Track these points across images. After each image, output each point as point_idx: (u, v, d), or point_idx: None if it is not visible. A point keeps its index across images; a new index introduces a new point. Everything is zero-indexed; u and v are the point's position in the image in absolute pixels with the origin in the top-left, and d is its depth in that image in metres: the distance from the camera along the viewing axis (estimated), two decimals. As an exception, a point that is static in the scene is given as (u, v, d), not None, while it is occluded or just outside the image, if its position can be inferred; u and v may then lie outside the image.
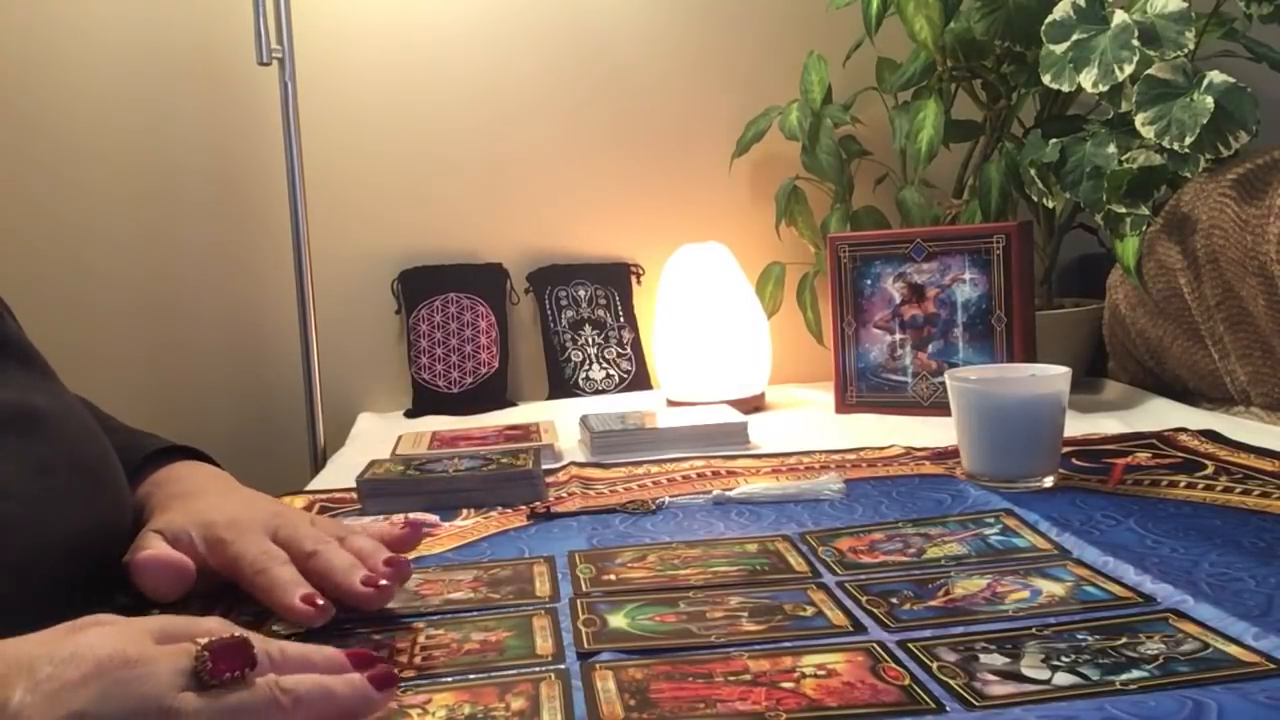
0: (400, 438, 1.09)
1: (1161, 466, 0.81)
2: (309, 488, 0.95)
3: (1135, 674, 0.45)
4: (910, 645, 0.49)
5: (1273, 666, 0.45)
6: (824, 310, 1.41)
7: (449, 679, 0.48)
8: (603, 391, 1.43)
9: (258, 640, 0.42)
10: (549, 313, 1.46)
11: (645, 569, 0.63)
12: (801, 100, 1.39)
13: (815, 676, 0.46)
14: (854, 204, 1.40)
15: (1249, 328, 1.03)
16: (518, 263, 1.49)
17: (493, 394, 1.41)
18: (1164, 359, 1.17)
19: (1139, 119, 1.06)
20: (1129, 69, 1.06)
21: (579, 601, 0.58)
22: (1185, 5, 1.06)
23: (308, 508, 0.83)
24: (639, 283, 1.51)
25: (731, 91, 1.50)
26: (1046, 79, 1.12)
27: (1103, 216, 1.11)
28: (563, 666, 0.49)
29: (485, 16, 1.46)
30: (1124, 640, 0.48)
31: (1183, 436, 0.90)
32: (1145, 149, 1.07)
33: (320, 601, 0.54)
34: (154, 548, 0.58)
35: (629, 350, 1.47)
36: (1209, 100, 1.02)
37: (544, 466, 0.87)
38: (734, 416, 1.08)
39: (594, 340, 1.46)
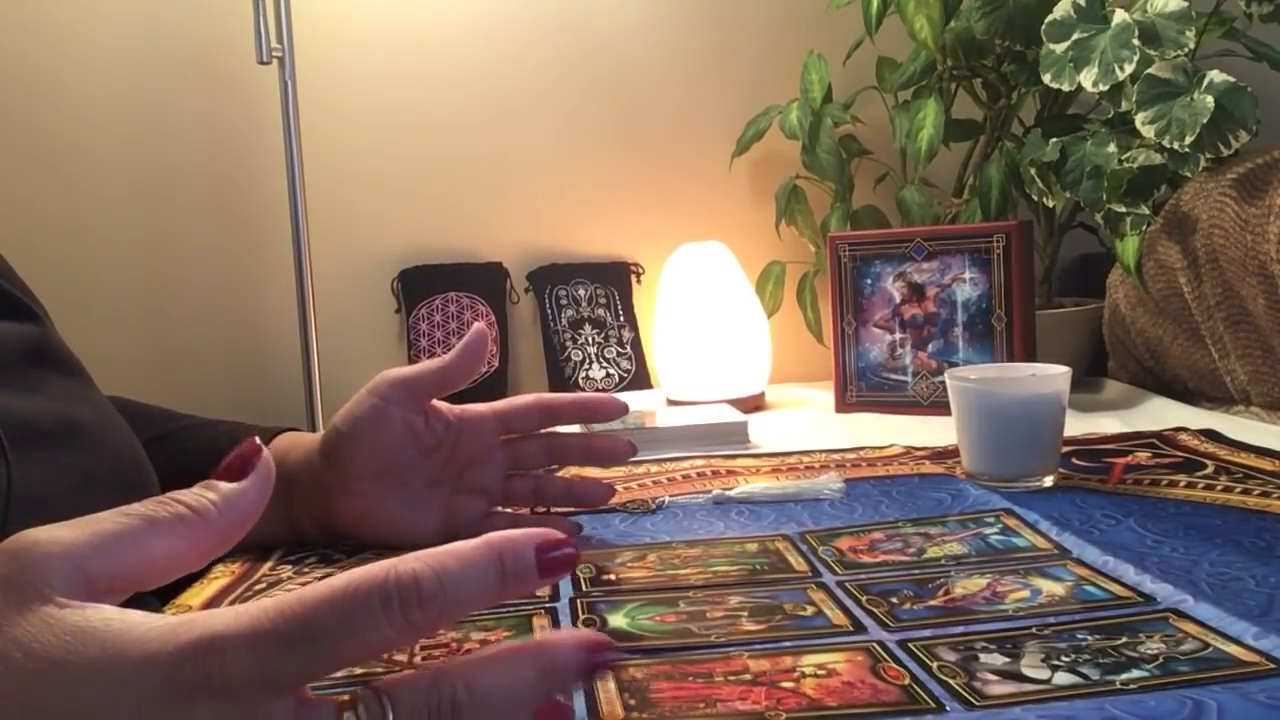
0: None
1: (1161, 466, 0.80)
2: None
3: (1135, 673, 0.45)
4: (910, 645, 0.49)
5: (1273, 666, 0.45)
6: (824, 310, 1.41)
7: (449, 679, 0.48)
8: (603, 390, 1.43)
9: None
10: (549, 312, 1.46)
11: (645, 568, 0.63)
12: (801, 99, 1.39)
13: (815, 676, 0.46)
14: (854, 203, 1.40)
15: (1249, 327, 1.03)
16: (518, 262, 1.49)
17: (493, 393, 1.41)
18: (1164, 359, 1.17)
19: (1139, 118, 1.06)
20: (1129, 68, 1.06)
21: (579, 601, 0.58)
22: (1185, 4, 1.06)
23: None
24: (639, 282, 1.51)
25: (731, 91, 1.50)
26: (1047, 78, 1.12)
27: (1103, 216, 1.11)
28: (563, 666, 0.49)
29: (485, 16, 1.46)
30: (1124, 640, 0.48)
31: (1183, 436, 0.90)
32: (1145, 148, 1.07)
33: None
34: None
35: (629, 349, 1.47)
36: (1209, 100, 1.02)
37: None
38: (734, 416, 1.08)
39: (594, 339, 1.46)
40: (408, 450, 0.68)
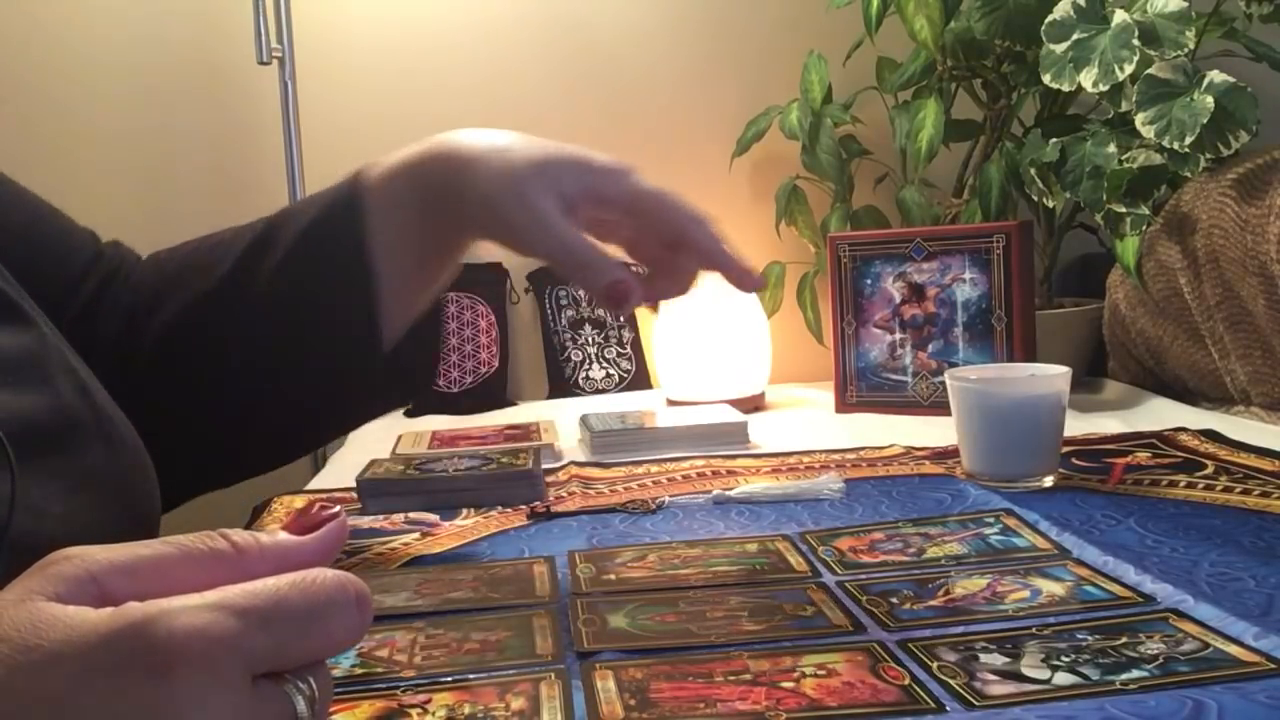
0: (400, 437, 1.09)
1: (1161, 466, 0.81)
2: (309, 487, 0.95)
3: (1135, 674, 0.45)
4: (910, 645, 0.49)
5: (1273, 666, 0.45)
6: (824, 310, 1.41)
7: (449, 679, 0.48)
8: (603, 391, 1.43)
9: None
10: (549, 312, 1.46)
11: (645, 569, 0.63)
12: (801, 100, 1.39)
13: (815, 676, 0.46)
14: (854, 203, 1.40)
15: (1249, 328, 1.03)
16: (518, 262, 1.48)
17: (493, 393, 1.41)
18: (1164, 359, 1.17)
19: (1139, 119, 1.06)
20: (1129, 68, 1.06)
21: (579, 601, 0.58)
22: (1185, 5, 1.06)
23: (307, 508, 0.83)
24: (639, 282, 1.50)
25: (731, 91, 1.49)
26: (1046, 78, 1.12)
27: (1103, 216, 1.11)
28: (563, 666, 0.49)
29: (485, 16, 1.46)
30: (1124, 640, 0.48)
31: (1183, 436, 0.90)
32: (1145, 149, 1.07)
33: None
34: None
35: (629, 350, 1.47)
36: (1209, 100, 1.02)
37: (544, 466, 0.87)
38: (734, 416, 1.08)
39: (594, 340, 1.46)
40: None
